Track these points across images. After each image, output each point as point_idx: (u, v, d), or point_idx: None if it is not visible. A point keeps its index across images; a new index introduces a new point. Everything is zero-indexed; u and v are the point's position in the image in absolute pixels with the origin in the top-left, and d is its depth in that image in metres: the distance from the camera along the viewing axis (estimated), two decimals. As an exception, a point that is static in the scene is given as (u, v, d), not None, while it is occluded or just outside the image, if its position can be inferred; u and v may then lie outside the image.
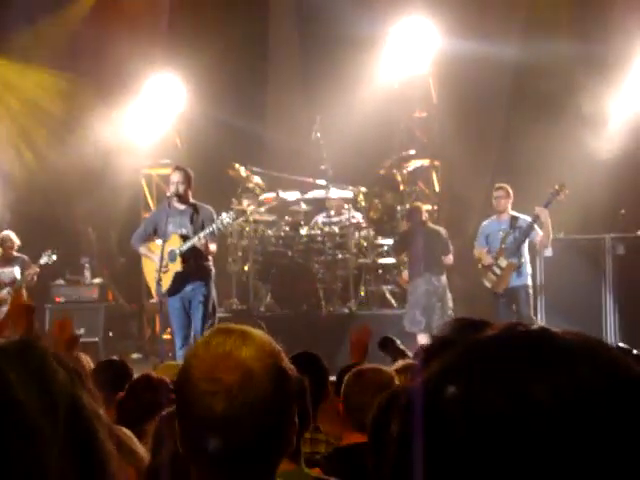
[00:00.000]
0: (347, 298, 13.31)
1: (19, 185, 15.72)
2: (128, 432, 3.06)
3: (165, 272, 10.60)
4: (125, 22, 15.48)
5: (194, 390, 1.98)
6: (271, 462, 2.05)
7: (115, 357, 5.99)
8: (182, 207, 10.76)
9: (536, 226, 11.37)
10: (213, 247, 10.83)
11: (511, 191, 11.60)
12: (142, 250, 11.11)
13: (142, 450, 2.87)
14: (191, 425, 2.00)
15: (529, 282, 11.49)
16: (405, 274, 13.55)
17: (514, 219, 11.50)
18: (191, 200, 10.83)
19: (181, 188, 10.67)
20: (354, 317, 12.94)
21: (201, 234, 10.54)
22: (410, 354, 6.28)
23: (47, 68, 16.04)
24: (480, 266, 11.66)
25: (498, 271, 11.42)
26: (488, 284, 11.53)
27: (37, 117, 16.36)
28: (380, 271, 13.98)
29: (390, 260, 13.83)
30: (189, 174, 10.80)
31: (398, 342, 6.81)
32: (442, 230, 12.39)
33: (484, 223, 11.87)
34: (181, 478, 2.34)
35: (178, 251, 10.57)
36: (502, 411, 0.98)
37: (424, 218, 12.44)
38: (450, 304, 12.17)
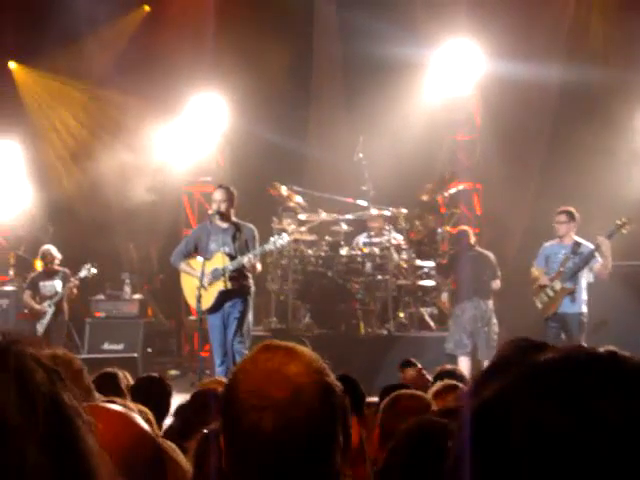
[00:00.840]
0: (386, 319, 13.27)
1: (62, 199, 15.86)
2: (173, 445, 3.07)
3: (208, 290, 10.64)
4: (170, 41, 15.60)
5: (242, 405, 1.97)
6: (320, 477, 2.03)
7: (154, 374, 6.00)
8: (224, 225, 10.79)
9: (597, 255, 11.22)
10: (259, 266, 10.92)
11: (576, 215, 11.42)
12: (182, 267, 11.15)
13: (186, 463, 2.87)
14: (238, 441, 1.99)
15: (584, 310, 11.30)
16: (444, 297, 13.51)
17: (577, 245, 11.33)
18: (233, 218, 10.86)
19: (223, 206, 10.71)
20: (393, 339, 12.91)
21: (251, 255, 10.62)
22: (430, 377, 6.19)
23: (92, 86, 16.20)
24: (535, 286, 11.53)
25: (551, 293, 11.30)
26: (539, 305, 11.42)
27: (81, 133, 16.52)
28: (419, 293, 13.93)
29: (430, 282, 13.78)
30: (232, 192, 10.85)
31: (419, 365, 6.73)
32: (490, 254, 12.33)
33: (546, 244, 11.68)
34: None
35: (225, 269, 10.62)
36: (569, 430, 0.98)
37: (472, 241, 12.39)
38: (496, 329, 12.12)
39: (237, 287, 10.70)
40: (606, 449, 0.97)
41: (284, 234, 11.02)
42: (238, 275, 10.70)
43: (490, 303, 12.15)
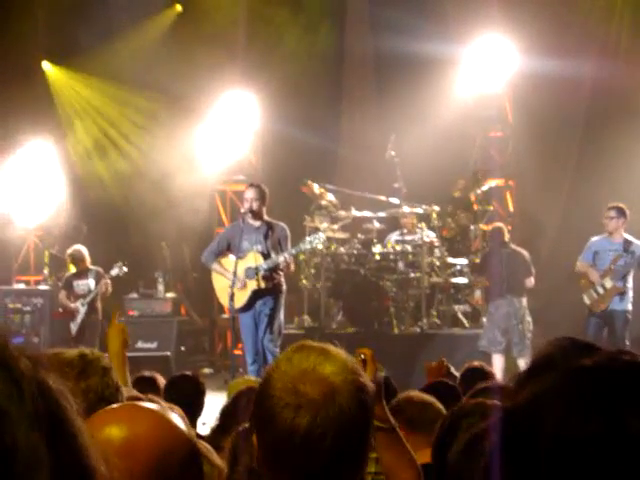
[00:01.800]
0: (419, 317, 13.26)
1: (95, 199, 15.95)
2: (207, 445, 3.08)
3: (241, 289, 10.65)
4: (203, 40, 15.64)
5: (276, 404, 1.97)
6: (349, 478, 2.03)
7: (188, 372, 6.02)
8: (257, 224, 10.79)
9: None
10: (293, 266, 10.96)
11: (627, 212, 11.30)
12: (214, 266, 11.15)
13: (221, 464, 2.88)
14: (272, 440, 1.99)
15: (630, 307, 11.25)
16: (478, 294, 13.47)
17: (628, 243, 11.24)
18: (265, 217, 10.86)
19: (255, 205, 10.71)
20: (426, 336, 12.89)
21: (286, 254, 10.65)
22: (456, 374, 6.12)
23: (125, 84, 16.28)
24: (583, 281, 11.44)
25: (601, 290, 11.22)
26: (587, 301, 11.33)
27: (113, 132, 16.61)
28: (452, 291, 13.90)
29: (463, 280, 13.75)
30: (264, 191, 10.84)
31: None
32: (525, 252, 12.27)
33: (593, 239, 11.55)
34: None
35: (259, 268, 10.63)
36: (594, 436, 0.97)
37: (506, 239, 12.36)
38: (530, 327, 12.07)
39: (270, 286, 10.71)
40: (629, 461, 0.97)
41: (320, 234, 11.03)
42: (271, 274, 10.71)
43: (524, 300, 12.11)
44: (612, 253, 11.23)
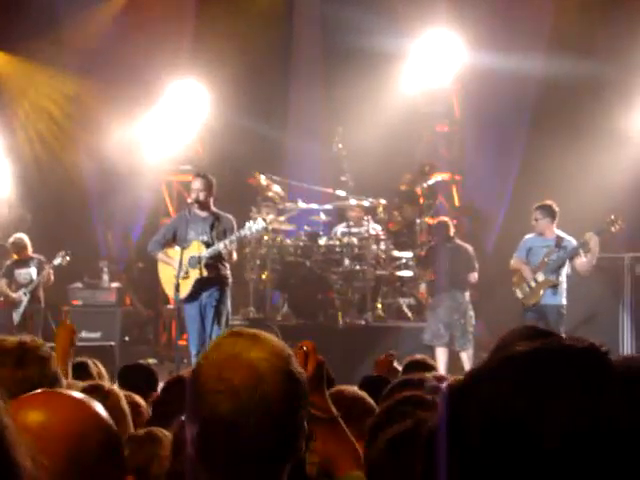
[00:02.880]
0: (364, 310, 13.30)
1: (39, 188, 15.79)
2: (165, 432, 3.08)
3: (185, 278, 10.58)
4: (150, 28, 15.54)
5: (202, 390, 1.97)
6: (280, 466, 2.03)
7: (142, 361, 6.04)
8: (203, 214, 10.74)
9: (581, 251, 11.25)
10: (235, 255, 10.87)
11: (555, 210, 11.38)
12: (160, 256, 11.07)
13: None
14: (198, 427, 1.99)
15: (564, 302, 11.35)
16: (423, 287, 13.55)
17: (560, 238, 11.34)
18: (212, 208, 10.80)
19: (202, 195, 10.65)
20: (370, 329, 12.93)
21: (227, 241, 10.53)
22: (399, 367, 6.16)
23: (69, 72, 16.12)
24: (515, 278, 11.56)
25: (533, 284, 11.33)
26: (520, 295, 11.44)
27: (58, 120, 16.45)
28: (398, 284, 13.96)
29: (408, 273, 13.82)
30: (211, 181, 10.78)
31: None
32: (469, 247, 12.36)
33: (527, 236, 11.65)
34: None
35: (201, 257, 10.55)
36: (516, 418, 1.02)
37: (451, 233, 12.43)
38: (472, 321, 12.17)
39: (214, 276, 10.64)
40: (548, 439, 1.00)
41: (260, 219, 10.93)
42: (215, 264, 10.64)
43: (467, 295, 12.20)
44: (545, 249, 11.36)
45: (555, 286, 11.27)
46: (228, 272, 10.82)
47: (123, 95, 15.59)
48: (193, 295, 10.65)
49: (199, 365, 2.03)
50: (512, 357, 1.07)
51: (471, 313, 12.20)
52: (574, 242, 11.24)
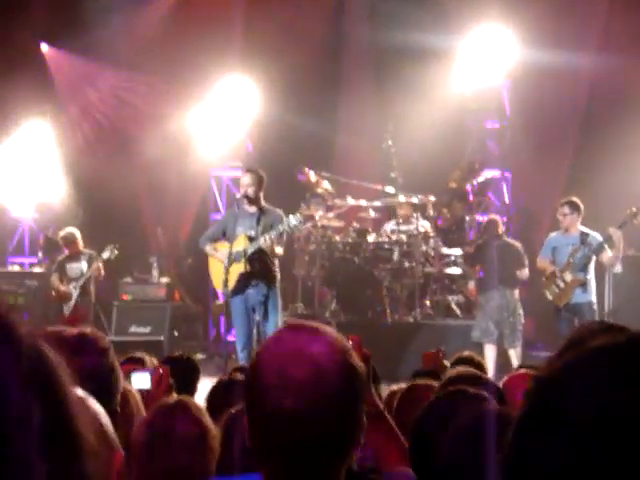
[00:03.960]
0: (412, 307, 13.27)
1: (90, 184, 15.92)
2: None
3: (231, 272, 10.58)
4: (201, 24, 15.61)
5: (264, 385, 1.96)
6: (339, 460, 2.02)
7: (182, 353, 6.03)
8: (252, 210, 10.72)
9: (606, 246, 11.21)
10: (279, 250, 10.71)
11: (581, 206, 11.37)
12: (208, 249, 11.06)
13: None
14: (260, 421, 1.99)
15: (594, 299, 11.33)
16: (472, 284, 13.48)
17: (584, 235, 11.31)
18: (262, 203, 10.78)
19: (251, 190, 10.63)
20: (418, 326, 12.91)
21: (267, 235, 10.50)
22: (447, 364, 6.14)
23: (122, 67, 16.24)
24: (544, 278, 11.54)
25: (562, 284, 11.30)
26: (550, 296, 11.42)
27: (109, 116, 16.58)
28: (446, 281, 13.91)
29: (456, 270, 13.76)
30: (260, 176, 10.74)
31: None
32: (518, 244, 12.31)
33: (552, 235, 11.71)
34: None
35: (245, 251, 10.55)
36: (617, 406, 1.03)
37: (500, 231, 12.39)
38: (522, 319, 12.12)
39: (259, 271, 10.61)
40: None
41: (297, 214, 10.86)
42: (260, 258, 10.60)
43: (516, 293, 12.15)
44: (570, 247, 11.32)
45: (584, 284, 11.23)
46: (275, 267, 10.77)
47: (173, 91, 15.69)
48: (239, 289, 10.63)
49: (259, 360, 2.02)
50: (607, 349, 1.08)
51: (520, 311, 12.14)
52: (599, 238, 11.20)
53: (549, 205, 14.78)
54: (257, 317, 10.66)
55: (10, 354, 1.14)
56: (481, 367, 5.38)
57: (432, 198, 13.92)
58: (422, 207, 13.86)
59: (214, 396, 4.53)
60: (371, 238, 13.48)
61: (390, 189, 13.82)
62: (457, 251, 13.78)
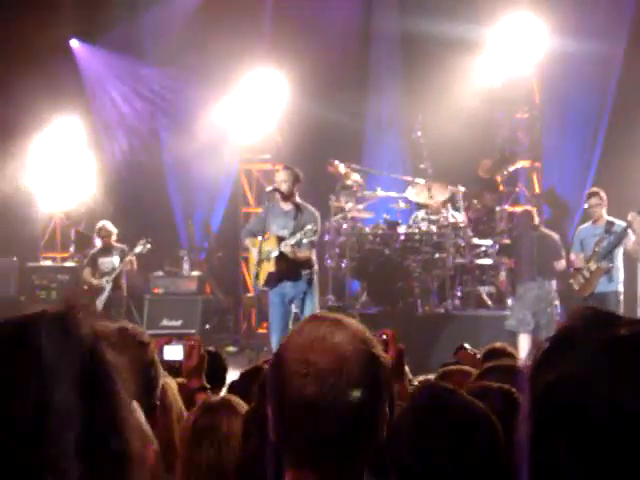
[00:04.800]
0: (443, 298, 13.25)
1: (121, 179, 16.00)
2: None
3: (263, 268, 10.63)
4: (229, 18, 15.63)
5: (286, 373, 1.98)
6: (362, 450, 2.02)
7: (211, 348, 6.05)
8: (287, 207, 10.71)
9: (630, 232, 11.19)
10: (302, 254, 10.66)
11: (604, 196, 11.38)
12: (246, 242, 11.24)
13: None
14: (282, 408, 2.00)
15: (620, 289, 11.31)
16: (503, 275, 13.44)
17: (610, 224, 11.32)
18: (297, 199, 10.77)
19: (285, 186, 10.63)
20: (449, 317, 12.88)
21: (284, 243, 10.53)
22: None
23: (152, 63, 16.30)
24: (572, 269, 11.56)
25: (587, 274, 11.31)
26: (576, 286, 11.45)
27: (138, 109, 16.62)
28: (477, 272, 13.87)
29: (487, 261, 13.72)
30: (296, 174, 10.72)
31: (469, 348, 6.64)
32: (555, 235, 12.30)
33: (580, 228, 11.76)
34: (271, 467, 2.35)
35: (270, 252, 10.62)
36: None
37: (536, 222, 12.37)
38: (558, 309, 12.12)
39: (290, 269, 10.64)
40: None
41: (315, 228, 10.77)
42: (295, 256, 10.63)
43: (554, 283, 12.14)
44: (595, 238, 11.34)
45: (608, 272, 11.20)
46: (312, 263, 10.77)
47: (203, 84, 15.73)
48: (274, 284, 10.68)
49: (282, 349, 2.04)
50: (619, 343, 1.07)
51: (557, 302, 12.14)
52: (624, 224, 11.19)
53: (580, 194, 14.73)
54: (295, 310, 10.70)
55: (65, 354, 1.15)
56: (513, 358, 5.35)
57: (462, 188, 13.88)
58: (452, 198, 13.83)
59: (239, 385, 4.58)
60: (401, 229, 13.46)
61: (420, 180, 13.79)
62: (488, 242, 13.74)
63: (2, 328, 1.18)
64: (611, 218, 11.37)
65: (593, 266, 11.28)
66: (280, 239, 10.60)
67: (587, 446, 1.04)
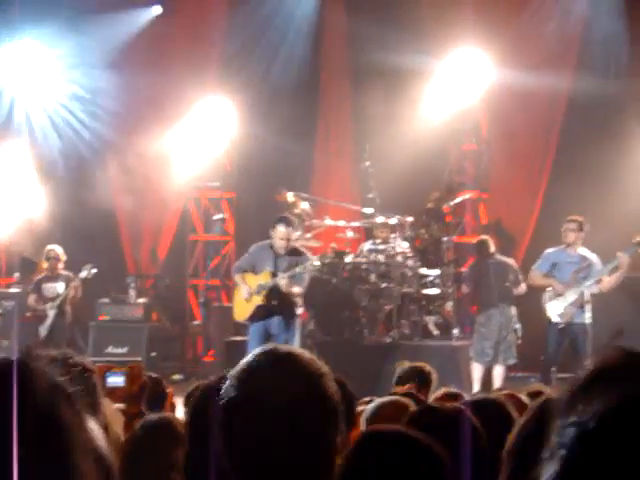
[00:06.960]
0: (390, 327, 13.27)
1: (67, 205, 15.84)
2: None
3: (249, 301, 11.19)
4: (179, 43, 15.62)
5: (234, 407, 1.97)
6: None
7: (152, 374, 5.99)
8: (281, 251, 11.29)
9: (606, 273, 11.35)
10: (296, 289, 11.23)
11: (585, 226, 11.47)
12: (237, 278, 11.62)
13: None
14: (233, 442, 1.99)
15: (589, 320, 11.42)
16: (449, 305, 13.52)
17: (584, 257, 11.43)
18: (292, 244, 11.37)
19: (286, 244, 11.22)
20: (396, 346, 12.90)
21: (281, 276, 11.06)
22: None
23: (97, 81, 16.08)
24: (546, 291, 11.59)
25: (565, 303, 11.38)
26: (552, 313, 11.48)
27: (85, 134, 16.43)
28: (424, 301, 13.91)
29: (434, 291, 13.78)
30: (293, 224, 11.38)
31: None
32: (511, 261, 12.48)
33: (550, 250, 11.73)
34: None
35: (263, 286, 11.12)
36: None
37: (492, 250, 12.48)
38: (519, 333, 12.24)
39: (280, 303, 11.10)
40: None
41: (317, 256, 11.38)
42: (280, 294, 11.05)
43: (513, 309, 12.26)
44: (573, 265, 11.40)
45: (583, 306, 11.31)
46: (297, 303, 11.29)
47: (152, 110, 15.66)
48: (261, 316, 11.18)
49: (231, 383, 2.03)
50: None
51: (517, 326, 12.24)
52: (597, 260, 11.30)
53: (526, 225, 14.87)
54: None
55: (21, 408, 1.14)
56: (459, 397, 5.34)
57: (410, 219, 13.95)
58: (400, 228, 13.88)
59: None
60: (348, 258, 13.48)
61: (368, 210, 13.84)
62: (435, 271, 13.81)
63: None
64: (584, 251, 11.47)
65: (572, 297, 11.37)
66: (274, 274, 10.91)
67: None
